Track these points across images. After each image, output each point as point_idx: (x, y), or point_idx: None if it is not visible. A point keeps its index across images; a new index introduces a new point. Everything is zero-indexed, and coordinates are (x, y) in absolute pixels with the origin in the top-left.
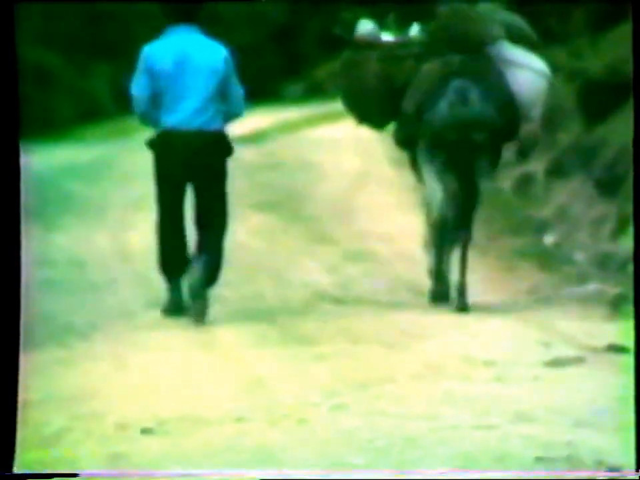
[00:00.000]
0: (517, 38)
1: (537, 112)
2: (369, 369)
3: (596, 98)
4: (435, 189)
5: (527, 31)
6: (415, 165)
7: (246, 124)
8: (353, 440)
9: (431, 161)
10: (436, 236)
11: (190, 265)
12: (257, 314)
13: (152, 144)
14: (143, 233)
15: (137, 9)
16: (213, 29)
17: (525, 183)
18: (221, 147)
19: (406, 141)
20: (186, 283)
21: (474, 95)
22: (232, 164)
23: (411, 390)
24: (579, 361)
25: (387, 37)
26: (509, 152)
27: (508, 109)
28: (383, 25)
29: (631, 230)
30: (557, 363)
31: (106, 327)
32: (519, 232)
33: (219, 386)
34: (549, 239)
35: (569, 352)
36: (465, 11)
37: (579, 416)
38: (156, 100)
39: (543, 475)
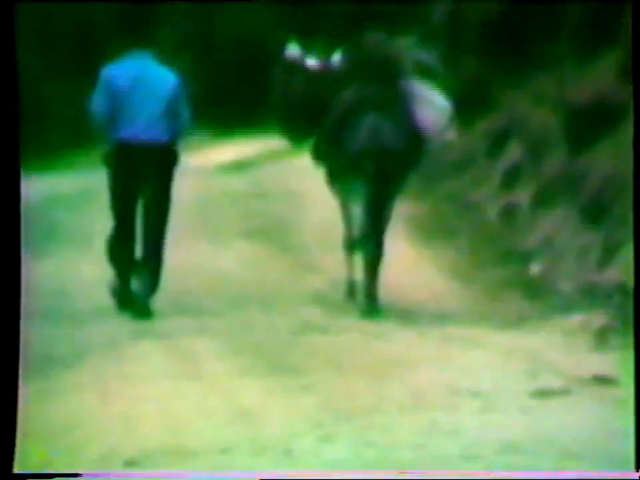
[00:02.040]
0: (425, 74)
1: (438, 140)
2: (356, 399)
3: (581, 127)
4: (346, 208)
5: (435, 68)
6: (329, 181)
7: (233, 152)
8: (340, 470)
9: (342, 183)
10: (347, 247)
11: (136, 265)
12: (243, 344)
13: (107, 156)
14: None
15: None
16: (205, 55)
17: (510, 212)
18: (168, 156)
19: (321, 158)
20: (134, 286)
21: (386, 129)
22: (219, 192)
23: (398, 420)
24: (565, 391)
25: (312, 61)
26: (494, 181)
27: (414, 139)
28: (309, 49)
29: (630, 255)
30: (543, 393)
31: (90, 358)
32: (504, 262)
33: (204, 417)
34: (534, 269)
35: (555, 383)
36: (384, 45)
37: (565, 447)
38: (112, 116)
39: (543, 475)
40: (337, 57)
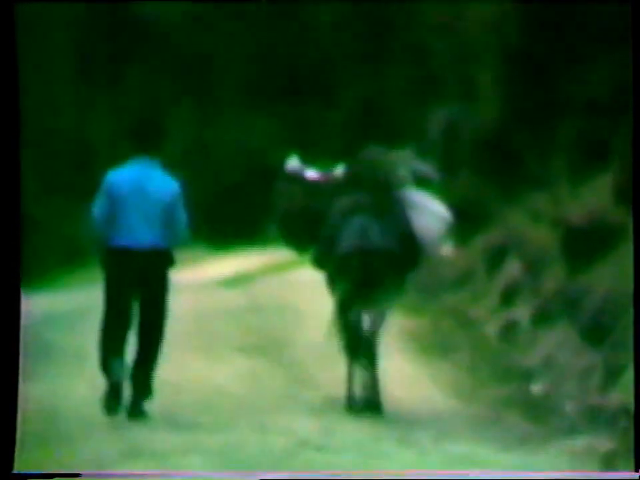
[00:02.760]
0: (423, 182)
1: (436, 246)
2: None
3: (578, 245)
4: (340, 313)
5: (431, 178)
6: (329, 286)
7: (232, 266)
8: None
9: (337, 286)
10: (345, 350)
11: (126, 369)
12: (237, 463)
13: (103, 260)
14: None
15: (121, 150)
16: (199, 170)
17: (510, 329)
18: (164, 260)
19: (320, 263)
20: (127, 392)
21: (374, 229)
22: (217, 307)
23: None
24: None
25: (311, 173)
26: (493, 297)
27: (407, 241)
28: (310, 162)
29: (629, 377)
30: None
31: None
32: (504, 380)
33: None
34: (536, 388)
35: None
36: (379, 159)
37: None
38: (110, 220)
39: (543, 475)
40: (339, 170)
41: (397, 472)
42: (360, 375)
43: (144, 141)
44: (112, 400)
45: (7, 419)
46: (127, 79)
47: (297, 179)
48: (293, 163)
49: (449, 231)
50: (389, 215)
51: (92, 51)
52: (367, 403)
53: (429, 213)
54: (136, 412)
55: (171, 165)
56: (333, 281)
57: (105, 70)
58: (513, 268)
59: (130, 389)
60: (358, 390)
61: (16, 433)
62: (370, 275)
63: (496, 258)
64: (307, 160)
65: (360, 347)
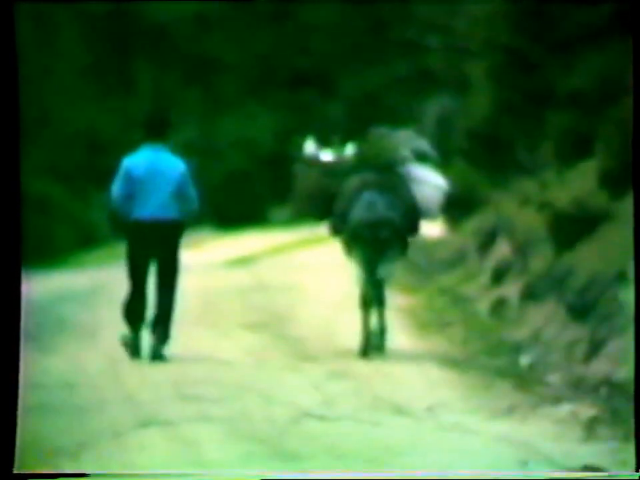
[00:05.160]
0: (422, 158)
1: (434, 213)
2: None
3: (564, 228)
4: (357, 271)
5: (430, 154)
6: (345, 252)
7: (238, 247)
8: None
9: (352, 251)
10: (361, 303)
11: (146, 319)
12: (243, 432)
13: (125, 231)
14: None
15: (131, 137)
16: (207, 158)
17: (500, 306)
18: (176, 230)
19: (336, 233)
20: (147, 339)
21: (380, 203)
22: (223, 286)
23: None
24: None
25: (326, 155)
26: (484, 276)
27: (409, 211)
28: (326, 144)
29: (610, 350)
30: None
31: (95, 448)
32: (495, 352)
33: None
34: (524, 361)
35: (546, 471)
36: (383, 138)
37: None
38: (130, 198)
39: (542, 475)
40: (349, 150)
41: (398, 471)
42: (373, 323)
43: (153, 129)
44: (135, 345)
45: (7, 418)
46: (137, 73)
47: (314, 161)
48: (309, 146)
49: (445, 198)
50: (393, 190)
51: (102, 48)
52: (376, 347)
53: (428, 184)
54: (157, 355)
55: (180, 152)
56: (348, 248)
57: (115, 64)
58: (502, 249)
59: (151, 336)
60: (371, 336)
61: (16, 433)
62: (378, 242)
63: (487, 240)
64: (322, 143)
65: (374, 298)
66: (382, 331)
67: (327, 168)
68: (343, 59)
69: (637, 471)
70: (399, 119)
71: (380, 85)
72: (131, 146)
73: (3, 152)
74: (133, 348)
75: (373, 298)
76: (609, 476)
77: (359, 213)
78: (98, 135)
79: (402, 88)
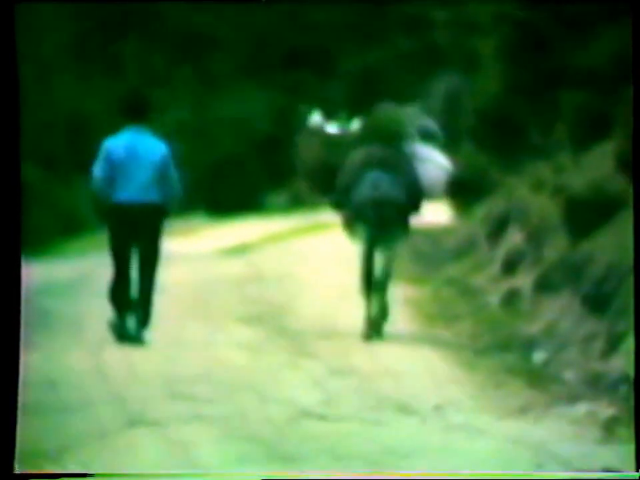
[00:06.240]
0: (428, 137)
1: (438, 192)
2: None
3: (580, 214)
4: (360, 248)
5: (436, 133)
6: (346, 227)
7: (232, 236)
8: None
9: (354, 229)
10: (363, 284)
11: (132, 302)
12: (239, 433)
13: (106, 214)
14: (119, 351)
15: (118, 121)
16: (198, 141)
17: (511, 298)
18: (158, 214)
19: (337, 208)
20: (130, 322)
21: (385, 182)
22: (217, 276)
23: None
24: None
25: (331, 128)
26: (495, 266)
27: (413, 190)
28: (332, 118)
29: (629, 345)
30: None
31: (79, 449)
32: (507, 348)
33: None
34: (538, 357)
35: (563, 474)
36: (389, 114)
37: None
38: (110, 180)
39: (542, 475)
40: (355, 124)
41: (400, 473)
42: (375, 306)
43: (135, 111)
44: (121, 329)
45: (7, 418)
46: (124, 55)
47: (319, 133)
48: (314, 118)
49: (449, 178)
50: (398, 168)
51: (89, 29)
52: (376, 331)
53: (433, 163)
54: (137, 339)
55: (171, 133)
56: (349, 225)
57: (101, 47)
58: (514, 237)
59: (132, 320)
60: (373, 319)
61: (16, 433)
62: (382, 221)
63: (497, 227)
64: (328, 116)
65: (377, 278)
66: (383, 314)
67: (330, 141)
68: (343, 35)
69: (637, 470)
70: (402, 98)
71: (381, 62)
72: (117, 129)
73: (3, 145)
74: (119, 332)
75: (375, 279)
76: (608, 476)
77: (363, 191)
78: (82, 118)
79: (405, 65)
